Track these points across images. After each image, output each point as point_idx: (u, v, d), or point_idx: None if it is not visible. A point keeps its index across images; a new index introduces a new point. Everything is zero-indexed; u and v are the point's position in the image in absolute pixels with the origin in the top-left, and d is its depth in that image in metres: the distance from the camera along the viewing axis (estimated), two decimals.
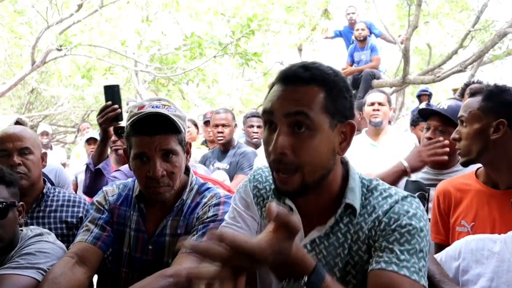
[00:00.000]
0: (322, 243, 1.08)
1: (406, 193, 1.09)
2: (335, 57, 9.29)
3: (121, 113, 2.01)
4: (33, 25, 6.45)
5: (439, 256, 1.43)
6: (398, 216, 1.02)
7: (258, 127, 4.23)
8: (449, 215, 1.78)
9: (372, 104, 3.25)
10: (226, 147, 3.87)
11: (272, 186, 1.17)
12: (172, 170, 1.45)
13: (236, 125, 4.02)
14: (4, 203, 1.49)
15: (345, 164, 1.13)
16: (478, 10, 6.72)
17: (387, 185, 1.12)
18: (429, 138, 2.12)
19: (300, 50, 9.02)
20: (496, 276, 1.29)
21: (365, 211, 1.07)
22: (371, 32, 6.50)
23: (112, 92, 2.00)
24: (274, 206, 0.77)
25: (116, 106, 2.00)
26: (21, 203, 1.62)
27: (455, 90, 6.48)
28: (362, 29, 6.27)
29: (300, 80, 1.00)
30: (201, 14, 7.80)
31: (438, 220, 1.84)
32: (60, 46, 5.59)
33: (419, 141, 2.65)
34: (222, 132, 3.81)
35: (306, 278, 0.82)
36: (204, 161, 3.89)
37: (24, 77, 6.14)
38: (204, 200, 1.51)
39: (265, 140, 1.04)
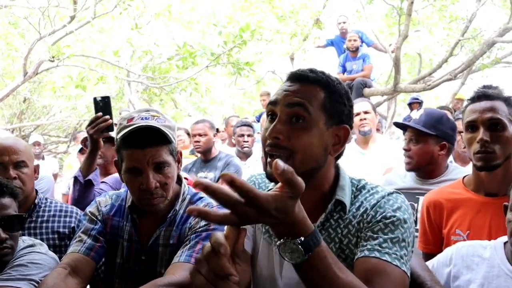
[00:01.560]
0: None
1: (391, 190, 1.17)
2: (326, 66, 9.36)
3: (112, 124, 2.02)
4: (25, 36, 6.45)
5: (431, 263, 1.44)
6: (384, 209, 1.09)
7: (249, 136, 4.26)
8: (441, 226, 1.78)
9: (358, 114, 3.26)
10: (206, 156, 3.90)
11: (269, 188, 1.22)
12: (165, 181, 1.45)
13: (215, 134, 4.04)
14: (18, 216, 1.51)
15: (336, 167, 1.20)
16: (467, 19, 6.82)
17: (374, 184, 1.20)
18: (405, 150, 2.20)
19: (292, 59, 9.08)
20: (487, 281, 1.31)
21: (354, 207, 1.14)
22: (362, 42, 6.57)
23: (103, 104, 2.01)
24: (280, 162, 0.78)
25: (107, 117, 2.01)
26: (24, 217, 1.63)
27: (458, 99, 6.61)
28: (355, 40, 6.33)
29: (305, 79, 1.11)
30: (193, 23, 7.85)
31: (427, 230, 1.84)
32: (53, 57, 5.59)
33: None
34: (198, 142, 3.87)
35: (302, 238, 0.83)
36: (187, 172, 3.89)
37: (16, 88, 6.12)
38: None
39: (264, 129, 1.12)
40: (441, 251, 1.67)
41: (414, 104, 6.23)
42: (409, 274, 1.04)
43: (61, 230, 1.90)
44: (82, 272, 1.45)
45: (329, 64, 8.79)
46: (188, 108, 10.55)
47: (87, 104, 9.33)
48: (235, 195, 0.76)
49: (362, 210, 1.12)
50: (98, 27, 7.08)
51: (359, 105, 3.35)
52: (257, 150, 4.35)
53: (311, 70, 1.13)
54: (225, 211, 0.77)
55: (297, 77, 1.13)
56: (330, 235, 1.13)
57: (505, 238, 1.35)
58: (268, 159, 1.10)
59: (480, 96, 1.67)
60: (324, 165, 1.12)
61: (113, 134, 1.97)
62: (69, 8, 5.95)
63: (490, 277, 1.31)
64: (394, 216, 1.07)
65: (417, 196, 2.17)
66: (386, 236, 1.05)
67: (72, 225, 1.91)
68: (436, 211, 1.80)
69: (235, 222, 0.78)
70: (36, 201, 1.94)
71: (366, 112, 3.28)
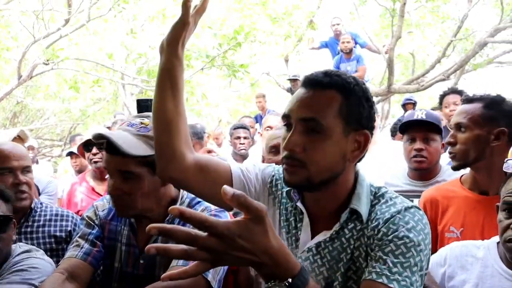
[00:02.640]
0: (326, 247, 1.10)
1: (411, 204, 1.09)
2: (320, 68, 9.36)
3: None
4: (19, 40, 6.42)
5: None
6: (397, 227, 1.02)
7: (245, 138, 4.25)
8: (436, 222, 1.81)
9: None
10: None
11: (286, 189, 1.20)
12: (129, 191, 1.41)
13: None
14: (6, 217, 1.51)
15: (355, 173, 1.16)
16: (459, 19, 6.88)
17: (395, 194, 1.13)
18: (420, 149, 2.17)
19: (286, 60, 9.10)
20: (481, 281, 1.33)
21: (369, 218, 1.08)
22: (356, 43, 6.60)
23: (146, 106, 2.05)
24: (228, 189, 0.74)
25: None
26: (13, 220, 1.62)
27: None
28: (348, 42, 6.36)
29: (319, 85, 1.06)
30: None
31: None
32: (47, 60, 5.58)
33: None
34: None
35: (290, 280, 0.80)
36: None
37: (10, 91, 6.10)
38: None
39: (282, 137, 1.10)
40: (435, 249, 1.71)
41: (408, 105, 6.26)
42: None
43: (57, 234, 1.90)
44: (80, 277, 1.44)
45: (323, 65, 8.81)
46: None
47: (81, 107, 9.29)
48: (193, 230, 0.73)
49: (375, 223, 1.06)
50: (93, 30, 7.06)
51: None
52: (254, 152, 4.36)
53: (326, 73, 1.08)
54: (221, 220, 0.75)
55: (310, 83, 1.08)
56: (342, 245, 1.09)
57: (498, 238, 1.37)
58: (284, 167, 1.09)
59: (463, 100, 1.80)
60: (342, 172, 1.09)
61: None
62: (63, 11, 5.94)
63: (484, 277, 1.33)
64: (408, 237, 1.00)
65: (411, 199, 2.19)
66: (396, 260, 0.98)
67: (69, 228, 1.92)
68: (433, 208, 1.83)
69: (205, 258, 0.75)
70: (32, 205, 1.94)
71: None
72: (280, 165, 1.22)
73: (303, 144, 1.04)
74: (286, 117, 1.10)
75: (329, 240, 1.10)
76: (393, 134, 4.25)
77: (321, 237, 1.11)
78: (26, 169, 1.86)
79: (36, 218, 1.92)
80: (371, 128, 1.10)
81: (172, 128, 1.15)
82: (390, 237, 1.01)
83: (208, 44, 7.03)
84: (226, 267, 1.43)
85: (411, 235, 1.00)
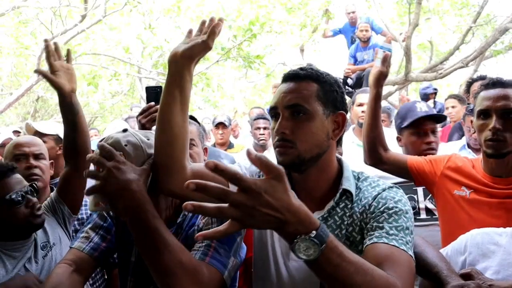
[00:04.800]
0: None
1: (391, 184, 1.26)
2: (336, 57, 9.32)
3: None
4: (37, 36, 6.52)
5: (444, 251, 1.45)
6: (386, 200, 1.18)
7: (265, 128, 4.22)
8: (441, 170, 1.85)
9: (361, 105, 3.21)
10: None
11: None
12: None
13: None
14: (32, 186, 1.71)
15: (339, 160, 1.31)
16: (478, 5, 6.73)
17: (375, 178, 1.30)
18: (430, 143, 2.18)
19: (302, 50, 9.04)
20: (502, 269, 1.32)
21: (357, 197, 1.23)
22: (372, 29, 6.50)
23: (155, 94, 2.06)
24: (251, 150, 0.81)
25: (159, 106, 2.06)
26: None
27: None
28: (366, 30, 6.27)
29: (297, 77, 1.24)
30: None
31: (426, 160, 1.92)
32: (65, 56, 5.64)
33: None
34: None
35: (314, 232, 0.85)
36: None
37: (30, 87, 6.21)
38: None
39: (271, 129, 1.26)
40: (406, 173, 1.89)
41: (431, 94, 6.04)
42: (414, 259, 1.11)
43: (79, 216, 2.04)
44: (85, 271, 1.45)
45: (339, 54, 8.75)
46: (198, 102, 10.58)
47: (99, 101, 9.41)
48: (225, 187, 0.80)
49: (364, 201, 1.21)
50: (109, 25, 7.13)
51: (362, 96, 3.28)
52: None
53: (301, 68, 1.27)
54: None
55: (290, 77, 1.26)
56: (336, 222, 1.22)
57: None
58: (275, 151, 1.22)
59: (495, 83, 1.67)
60: (328, 150, 1.24)
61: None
62: (79, 7, 6.00)
63: (506, 265, 1.32)
64: (396, 207, 1.16)
65: (414, 188, 2.18)
66: (391, 225, 1.12)
67: (90, 212, 2.00)
68: (453, 164, 1.84)
69: (235, 216, 0.81)
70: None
71: None
72: None
73: (291, 127, 1.20)
74: (273, 109, 1.25)
75: (322, 219, 1.22)
76: None
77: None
78: (39, 156, 2.05)
79: None
80: (346, 110, 1.27)
81: (178, 141, 1.20)
82: (381, 209, 1.16)
83: (223, 36, 7.03)
84: (239, 263, 1.41)
85: (399, 205, 1.16)
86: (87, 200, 2.04)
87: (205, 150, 2.03)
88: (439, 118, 2.28)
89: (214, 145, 4.90)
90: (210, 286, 1.24)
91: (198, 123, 2.56)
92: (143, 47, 7.20)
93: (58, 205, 1.85)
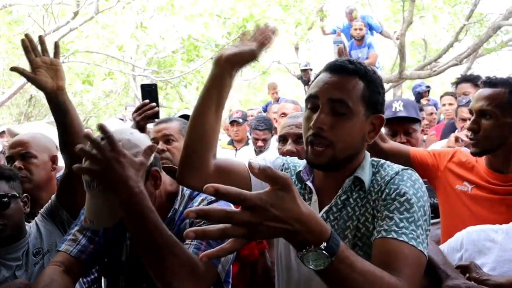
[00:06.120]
0: (335, 218, 1.17)
1: (405, 167, 1.20)
2: (331, 56, 9.30)
3: (158, 111, 2.07)
4: (29, 34, 6.45)
5: (441, 248, 1.45)
6: (397, 186, 1.12)
7: (264, 140, 4.08)
8: (445, 164, 1.85)
9: None
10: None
11: (297, 170, 1.27)
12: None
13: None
14: (5, 196, 1.61)
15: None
16: (472, 3, 6.75)
17: (390, 163, 1.23)
18: (403, 144, 2.13)
19: (296, 48, 9.04)
20: (498, 265, 1.31)
21: (372, 186, 1.17)
22: (371, 28, 6.49)
23: (149, 91, 2.06)
24: (254, 163, 0.77)
25: (154, 104, 2.05)
26: (25, 194, 1.75)
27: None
28: (360, 29, 6.28)
29: (345, 71, 1.15)
30: (197, 16, 7.82)
31: (429, 153, 1.91)
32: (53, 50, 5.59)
33: None
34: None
35: (325, 244, 0.81)
36: None
37: (23, 86, 6.16)
38: (195, 205, 1.45)
39: (305, 118, 1.18)
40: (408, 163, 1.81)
41: (425, 93, 6.07)
42: (426, 253, 1.05)
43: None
44: (73, 273, 1.44)
45: (333, 54, 8.71)
46: (193, 101, 10.55)
47: (93, 99, 9.36)
48: (228, 208, 0.77)
49: (377, 187, 1.15)
50: (102, 23, 7.08)
51: None
52: (274, 143, 4.32)
53: (350, 61, 1.17)
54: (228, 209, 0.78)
55: (336, 68, 1.16)
56: (348, 213, 1.17)
57: None
58: (309, 148, 1.15)
59: (485, 82, 1.70)
60: (360, 151, 1.19)
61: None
62: (72, 4, 5.95)
63: (502, 261, 1.31)
64: (408, 193, 1.09)
65: None
66: (402, 216, 1.06)
67: None
68: (457, 159, 1.84)
69: (241, 234, 0.77)
70: None
71: None
72: (288, 156, 1.31)
73: (331, 123, 1.12)
74: (313, 98, 1.16)
75: (336, 210, 1.18)
76: None
77: (327, 208, 1.18)
78: (25, 155, 1.95)
79: None
80: (383, 113, 1.21)
81: (208, 139, 1.22)
82: (393, 196, 1.10)
83: (217, 33, 7.00)
84: (232, 257, 1.42)
85: (410, 192, 1.10)
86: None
87: None
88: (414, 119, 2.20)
89: (231, 142, 4.89)
90: (205, 279, 1.25)
91: None
92: (137, 44, 7.15)
93: (57, 210, 1.77)
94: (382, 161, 1.24)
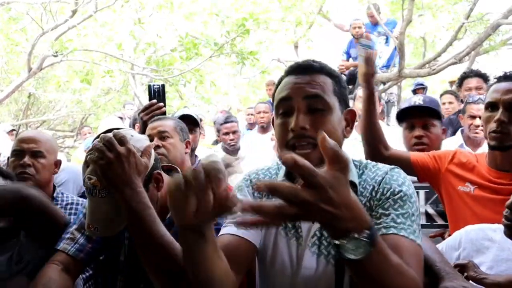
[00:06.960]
0: None
1: (392, 166, 1.19)
2: (330, 54, 9.31)
3: (165, 111, 2.07)
4: (28, 32, 6.45)
5: (439, 247, 1.45)
6: (390, 185, 1.12)
7: (234, 132, 4.06)
8: (446, 166, 1.84)
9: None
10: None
11: (280, 173, 1.23)
12: None
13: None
14: None
15: None
16: (471, 1, 6.73)
17: (374, 162, 1.23)
18: (420, 136, 2.13)
19: (296, 47, 9.02)
20: (496, 264, 1.32)
21: (361, 186, 1.16)
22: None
23: (158, 91, 2.05)
24: (328, 137, 0.76)
25: (161, 104, 2.05)
26: None
27: (451, 83, 6.50)
28: (359, 27, 6.29)
29: (312, 69, 1.15)
30: (196, 15, 7.80)
31: (429, 156, 1.89)
32: (56, 52, 5.60)
33: None
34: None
35: (368, 232, 0.79)
36: None
37: (21, 84, 6.15)
38: None
39: (279, 124, 1.14)
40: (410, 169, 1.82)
41: (419, 90, 6.16)
42: (422, 247, 1.07)
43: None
44: (71, 272, 1.44)
45: (332, 51, 8.73)
46: (193, 99, 10.54)
47: (92, 97, 9.34)
48: (293, 185, 0.74)
49: (369, 188, 1.14)
50: (101, 21, 7.06)
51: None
52: (244, 144, 4.31)
53: (313, 61, 1.18)
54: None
55: (303, 69, 1.16)
56: None
57: None
58: (297, 150, 1.09)
59: (507, 76, 1.69)
60: (341, 147, 1.16)
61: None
62: (70, 2, 5.94)
63: (500, 260, 1.32)
64: (401, 191, 1.10)
65: (416, 191, 2.16)
66: (398, 212, 1.07)
67: None
68: (458, 160, 1.83)
69: (292, 214, 0.74)
70: (54, 195, 2.02)
71: None
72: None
73: (311, 121, 1.10)
74: (285, 101, 1.14)
75: None
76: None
77: None
78: (37, 153, 1.96)
79: (57, 206, 1.96)
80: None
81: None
82: (387, 195, 1.10)
83: (216, 31, 6.99)
84: None
85: (403, 189, 1.11)
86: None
87: (188, 142, 2.13)
88: (433, 111, 2.18)
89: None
90: None
91: (198, 123, 2.60)
92: (136, 43, 7.14)
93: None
94: (364, 160, 1.23)
